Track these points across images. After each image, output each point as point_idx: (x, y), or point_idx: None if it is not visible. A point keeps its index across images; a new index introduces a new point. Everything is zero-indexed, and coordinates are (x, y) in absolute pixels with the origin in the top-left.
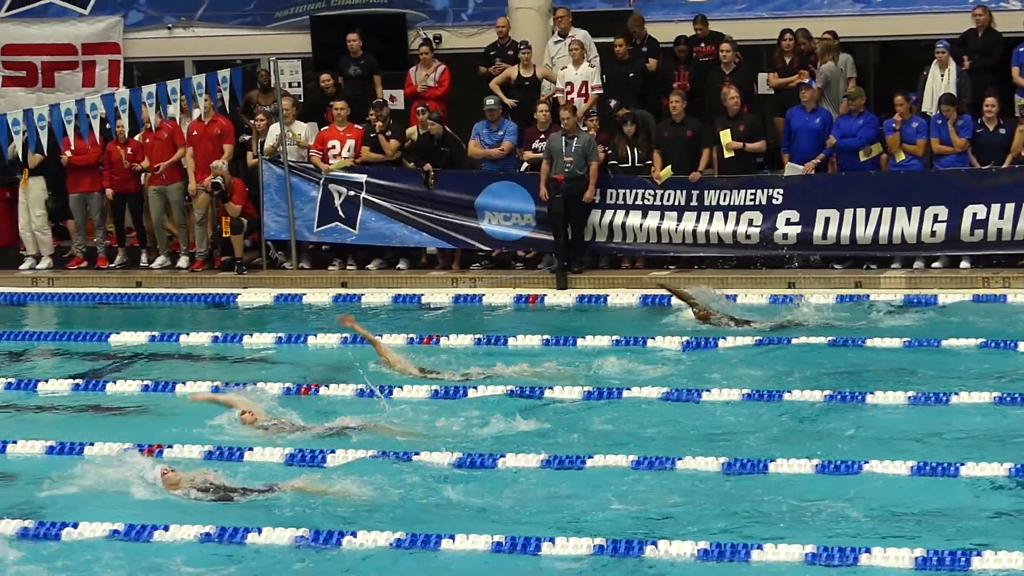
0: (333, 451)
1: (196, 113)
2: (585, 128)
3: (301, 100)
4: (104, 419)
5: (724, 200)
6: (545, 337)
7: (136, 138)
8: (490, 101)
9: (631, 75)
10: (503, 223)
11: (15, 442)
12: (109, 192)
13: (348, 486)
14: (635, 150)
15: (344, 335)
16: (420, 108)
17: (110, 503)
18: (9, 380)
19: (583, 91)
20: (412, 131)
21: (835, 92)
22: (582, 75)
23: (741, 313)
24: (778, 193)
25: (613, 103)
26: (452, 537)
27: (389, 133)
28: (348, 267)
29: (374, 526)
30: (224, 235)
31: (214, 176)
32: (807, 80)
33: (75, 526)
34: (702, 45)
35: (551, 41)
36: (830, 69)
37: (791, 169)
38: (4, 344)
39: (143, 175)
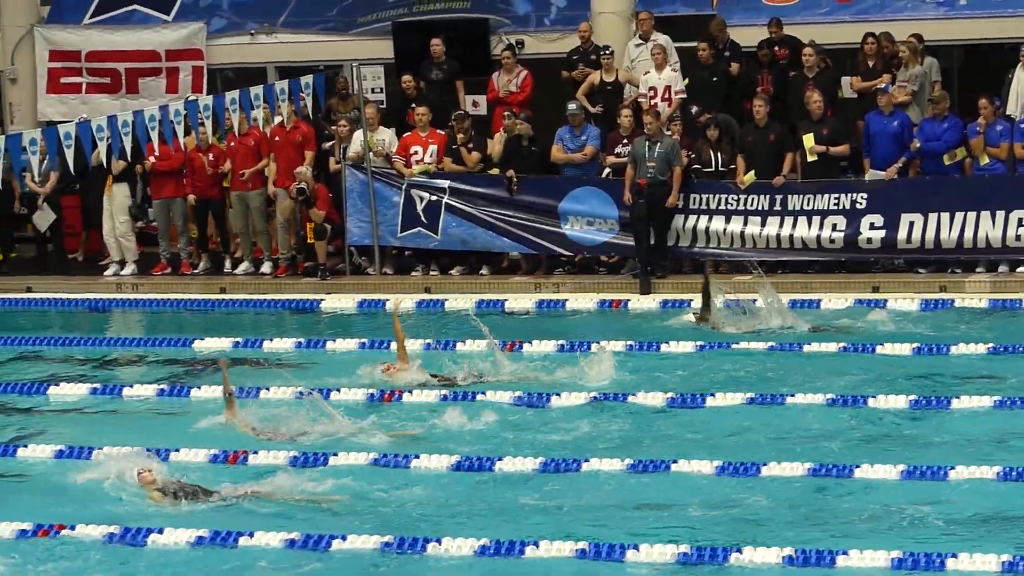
0: (417, 456)
1: (278, 119)
2: (669, 133)
3: (383, 106)
4: (188, 425)
5: (808, 204)
6: (629, 342)
7: (218, 142)
8: (572, 106)
9: (714, 79)
10: (586, 228)
11: (101, 448)
12: (191, 198)
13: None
14: (719, 154)
15: (427, 341)
16: (506, 113)
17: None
18: (95, 386)
19: (666, 95)
20: (497, 139)
21: (920, 96)
22: (665, 79)
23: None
24: (862, 197)
25: (695, 109)
26: (536, 543)
27: (471, 145)
28: (431, 272)
29: (459, 532)
30: (308, 241)
31: (299, 182)
32: (887, 84)
33: (160, 532)
34: (776, 48)
35: (631, 44)
36: (918, 73)
37: (873, 175)
38: (89, 350)
39: (225, 180)
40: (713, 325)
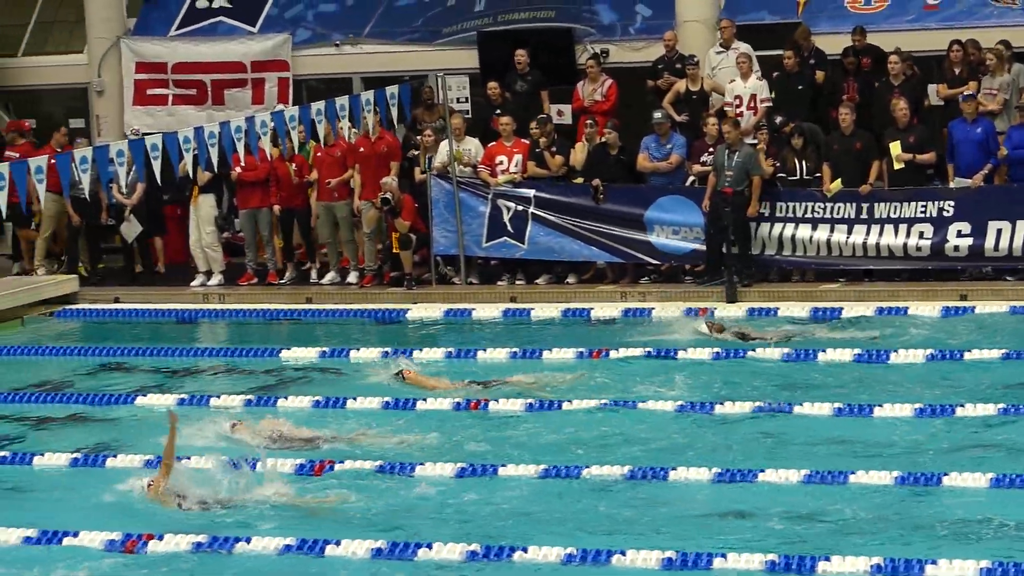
0: (504, 465)
1: (363, 130)
2: (755, 141)
3: (468, 116)
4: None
5: (894, 212)
6: (715, 351)
7: (304, 153)
8: (658, 115)
9: (799, 87)
10: (672, 236)
11: (189, 457)
12: (276, 208)
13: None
14: (804, 163)
15: (513, 350)
16: (588, 123)
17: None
18: (182, 396)
19: (752, 104)
20: (580, 148)
21: (1008, 103)
22: (751, 88)
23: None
24: (949, 205)
25: (779, 120)
26: (623, 552)
27: (554, 149)
28: (517, 282)
29: (546, 540)
30: (393, 251)
31: (384, 192)
32: (971, 92)
33: (248, 541)
34: (861, 57)
35: (712, 52)
36: (1006, 80)
37: (958, 183)
38: (176, 360)
39: (310, 189)
40: (741, 334)
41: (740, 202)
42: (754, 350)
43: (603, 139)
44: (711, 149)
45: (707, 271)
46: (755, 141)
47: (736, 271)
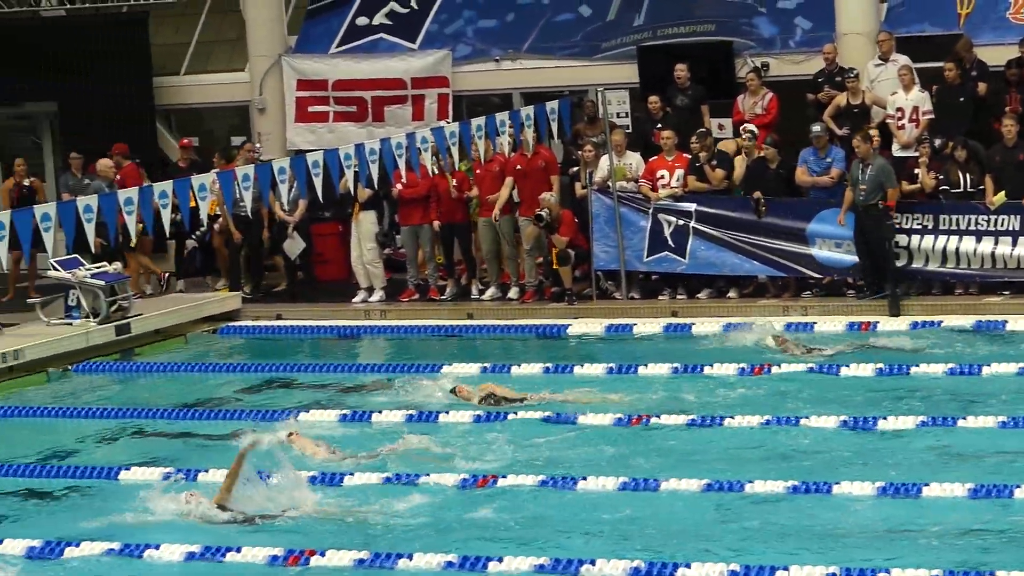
0: (667, 478)
1: (521, 144)
2: (916, 154)
3: (628, 130)
4: (435, 451)
5: None
6: (878, 366)
7: (463, 168)
8: (816, 128)
9: (961, 99)
10: (834, 250)
11: (352, 474)
12: (436, 223)
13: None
14: (967, 175)
15: (674, 365)
16: (747, 135)
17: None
18: (344, 412)
19: (914, 116)
20: (739, 161)
21: None
22: (912, 100)
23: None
24: None
25: (938, 142)
26: (786, 568)
27: (715, 162)
28: (678, 296)
29: (707, 556)
30: (553, 267)
31: (540, 208)
32: None
33: (410, 557)
34: (1022, 68)
35: (870, 64)
36: None
37: None
38: (338, 376)
39: (471, 204)
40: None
41: (875, 215)
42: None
43: (762, 153)
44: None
45: (867, 285)
46: (917, 154)
47: (879, 284)
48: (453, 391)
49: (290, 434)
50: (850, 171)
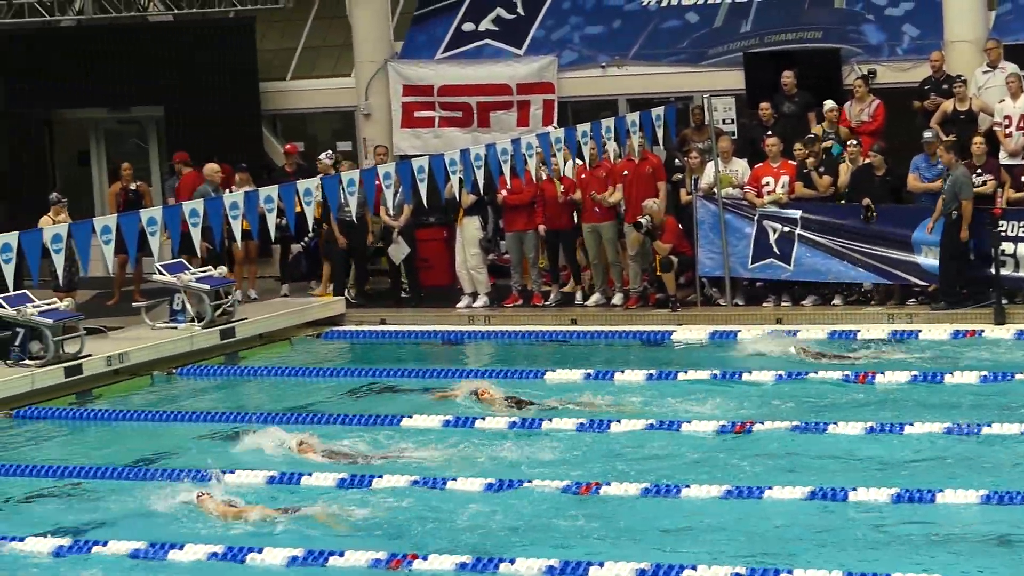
0: (771, 486)
1: (627, 151)
2: (1023, 161)
3: (735, 137)
4: (542, 457)
5: None
6: (983, 374)
7: (569, 174)
8: (928, 134)
9: None
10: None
11: (455, 479)
12: (541, 228)
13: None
14: None
15: (779, 372)
16: (852, 143)
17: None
18: (447, 418)
19: (1021, 124)
20: (844, 169)
21: None
22: (1020, 108)
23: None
24: None
25: None
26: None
27: (822, 169)
28: (783, 303)
29: (812, 563)
30: (656, 273)
31: (641, 215)
32: None
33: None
34: None
35: (978, 71)
36: None
37: None
38: (442, 382)
39: (574, 212)
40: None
41: (951, 225)
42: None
43: (867, 160)
44: (979, 170)
45: (942, 294)
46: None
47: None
48: (476, 394)
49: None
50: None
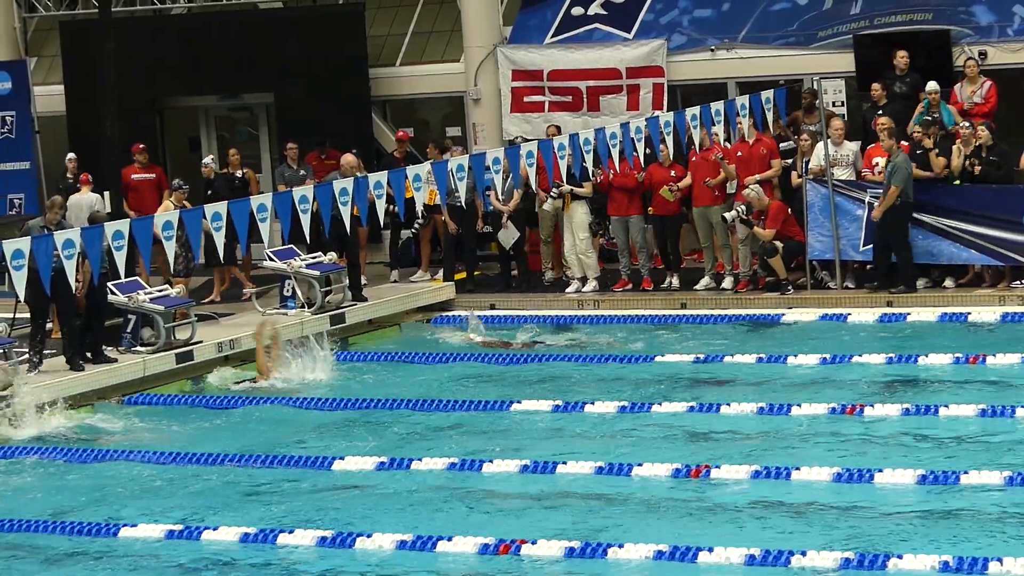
0: (880, 470)
1: (738, 134)
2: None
3: (845, 119)
4: (651, 441)
5: None
6: None
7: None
8: None
9: None
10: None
11: (565, 463)
12: (650, 210)
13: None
14: None
15: (889, 355)
16: (964, 125)
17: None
18: (557, 403)
19: None
20: (955, 150)
21: None
22: None
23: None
24: None
25: None
26: (1000, 560)
27: (937, 151)
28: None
29: (922, 548)
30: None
31: (740, 201)
32: None
33: (620, 546)
34: None
35: None
36: None
37: None
38: (548, 367)
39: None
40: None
41: (896, 210)
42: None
43: (979, 141)
44: None
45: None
46: None
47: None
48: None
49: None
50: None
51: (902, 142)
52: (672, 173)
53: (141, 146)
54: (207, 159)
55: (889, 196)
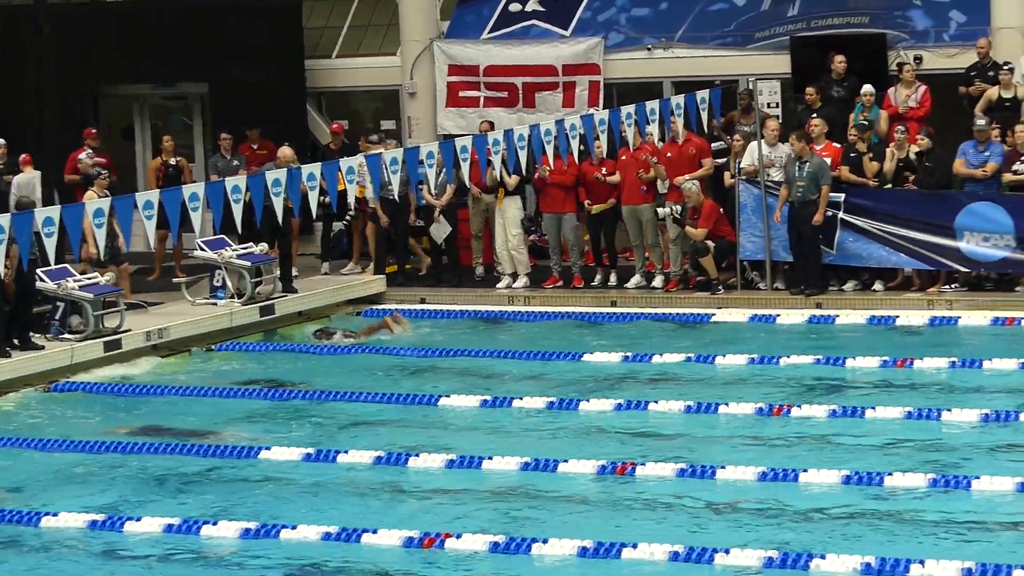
0: (977, 477)
1: (671, 133)
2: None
3: (780, 121)
4: (577, 438)
5: None
6: (1021, 360)
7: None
8: (981, 122)
9: None
10: (982, 244)
11: (491, 458)
12: (588, 205)
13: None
14: None
15: (817, 357)
16: (899, 129)
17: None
18: (485, 398)
19: None
20: (889, 154)
21: None
22: None
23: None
24: None
25: None
26: (921, 562)
27: (871, 155)
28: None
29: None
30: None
31: (672, 201)
32: None
33: (545, 542)
34: None
35: (1022, 59)
36: None
37: None
38: (480, 362)
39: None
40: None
41: (809, 212)
42: None
43: (920, 148)
44: (1023, 157)
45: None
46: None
47: (804, 281)
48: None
49: None
50: (785, 169)
51: (833, 143)
52: (603, 170)
53: (93, 131)
54: None
55: (822, 198)
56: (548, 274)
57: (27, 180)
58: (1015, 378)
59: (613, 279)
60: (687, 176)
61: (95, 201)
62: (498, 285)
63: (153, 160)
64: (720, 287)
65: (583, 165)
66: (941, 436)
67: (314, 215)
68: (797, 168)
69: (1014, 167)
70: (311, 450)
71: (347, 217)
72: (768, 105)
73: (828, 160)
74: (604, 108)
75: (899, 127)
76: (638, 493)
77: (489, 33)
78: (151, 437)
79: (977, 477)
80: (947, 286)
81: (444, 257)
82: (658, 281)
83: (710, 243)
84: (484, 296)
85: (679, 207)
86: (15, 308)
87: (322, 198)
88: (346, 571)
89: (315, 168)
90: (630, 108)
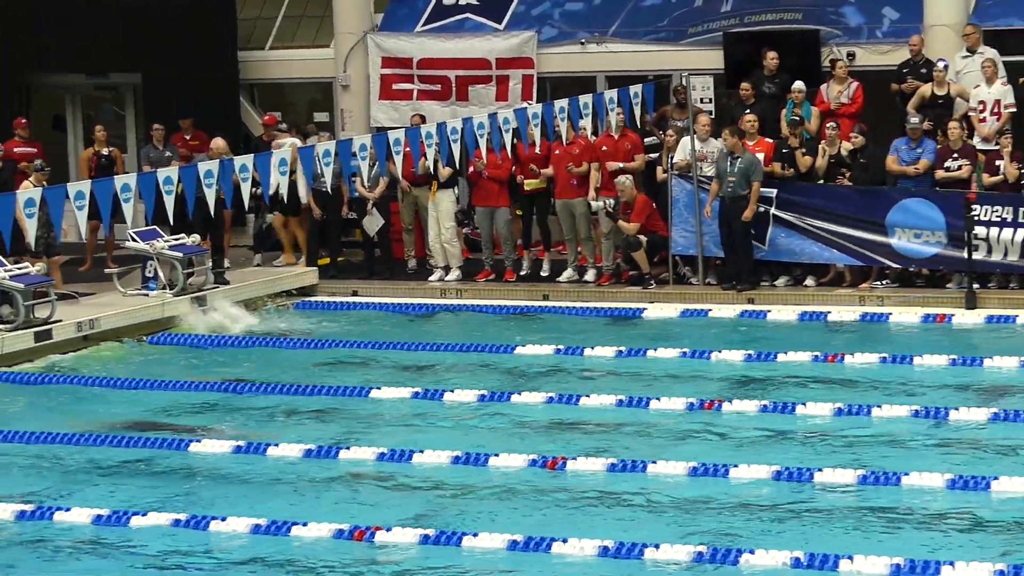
0: (906, 473)
1: (605, 128)
2: (997, 147)
3: (713, 116)
4: (508, 431)
5: None
6: (952, 357)
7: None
8: (914, 120)
9: None
10: (913, 240)
11: (422, 451)
12: (519, 179)
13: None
14: None
15: (748, 352)
16: (830, 125)
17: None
18: (416, 390)
19: (996, 109)
20: (821, 150)
21: None
22: (995, 93)
23: None
24: None
25: None
26: (850, 557)
27: (804, 150)
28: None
29: (771, 544)
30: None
31: (612, 194)
32: None
33: (475, 535)
34: None
35: (957, 56)
36: None
37: None
38: (412, 355)
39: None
40: None
41: (741, 208)
42: None
43: (854, 145)
44: (955, 155)
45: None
46: (998, 146)
47: (736, 276)
48: None
49: None
50: (716, 165)
51: (765, 139)
52: (532, 167)
53: (23, 121)
54: None
55: (753, 194)
56: (481, 267)
57: None
58: (945, 374)
59: (546, 268)
60: (619, 164)
61: (26, 191)
62: (431, 278)
63: (85, 150)
64: (652, 282)
65: (517, 147)
66: (871, 432)
67: (246, 207)
68: (729, 163)
69: (946, 164)
70: (241, 442)
71: (271, 215)
72: (701, 100)
73: (760, 156)
74: (538, 102)
75: (831, 123)
76: (569, 487)
77: (423, 26)
78: (80, 429)
79: (907, 473)
80: (878, 282)
81: (377, 250)
82: (590, 275)
83: (642, 238)
84: (416, 289)
85: (612, 201)
86: None
87: (254, 190)
88: (276, 563)
89: (247, 160)
90: (563, 102)
